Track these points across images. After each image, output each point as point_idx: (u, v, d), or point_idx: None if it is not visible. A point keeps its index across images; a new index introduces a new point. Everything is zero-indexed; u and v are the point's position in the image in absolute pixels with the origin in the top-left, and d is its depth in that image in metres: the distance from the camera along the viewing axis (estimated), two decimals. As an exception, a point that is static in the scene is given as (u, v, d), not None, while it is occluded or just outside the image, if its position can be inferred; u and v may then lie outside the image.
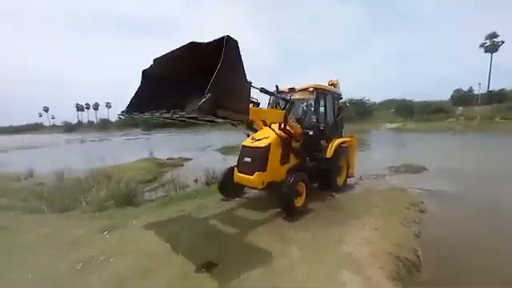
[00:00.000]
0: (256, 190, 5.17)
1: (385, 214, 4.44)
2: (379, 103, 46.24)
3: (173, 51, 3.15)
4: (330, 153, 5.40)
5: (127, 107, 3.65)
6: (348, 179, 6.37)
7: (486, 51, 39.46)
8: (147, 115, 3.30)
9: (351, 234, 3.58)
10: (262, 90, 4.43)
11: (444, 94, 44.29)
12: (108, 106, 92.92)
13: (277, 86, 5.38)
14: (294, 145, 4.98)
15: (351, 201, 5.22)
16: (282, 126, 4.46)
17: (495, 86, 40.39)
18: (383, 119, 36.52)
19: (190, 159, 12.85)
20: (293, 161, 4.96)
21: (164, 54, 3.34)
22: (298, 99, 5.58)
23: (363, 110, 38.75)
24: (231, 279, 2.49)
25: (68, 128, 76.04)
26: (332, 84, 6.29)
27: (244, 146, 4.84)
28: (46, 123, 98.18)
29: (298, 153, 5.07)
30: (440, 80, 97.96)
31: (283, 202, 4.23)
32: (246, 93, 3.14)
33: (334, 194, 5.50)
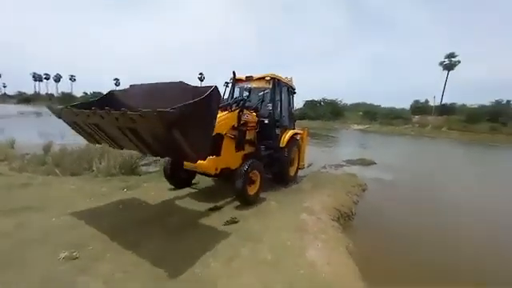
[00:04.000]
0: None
1: (336, 188, 6.09)
2: (350, 105, 50.01)
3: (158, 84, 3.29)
4: (283, 142, 5.46)
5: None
6: (300, 170, 6.72)
7: (444, 69, 44.16)
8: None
9: (311, 198, 5.15)
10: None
11: (408, 103, 49.74)
12: (72, 79, 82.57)
13: (234, 73, 5.40)
14: (249, 133, 4.93)
15: (314, 180, 6.81)
16: (236, 125, 4.41)
17: (449, 100, 45.88)
18: (352, 120, 39.88)
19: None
20: (248, 148, 4.90)
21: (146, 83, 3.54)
22: (255, 88, 5.67)
23: (336, 110, 41.78)
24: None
25: (22, 99, 67.35)
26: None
27: None
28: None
29: (253, 140, 5.03)
30: (409, 89, 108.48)
31: (236, 191, 4.18)
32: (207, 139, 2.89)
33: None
